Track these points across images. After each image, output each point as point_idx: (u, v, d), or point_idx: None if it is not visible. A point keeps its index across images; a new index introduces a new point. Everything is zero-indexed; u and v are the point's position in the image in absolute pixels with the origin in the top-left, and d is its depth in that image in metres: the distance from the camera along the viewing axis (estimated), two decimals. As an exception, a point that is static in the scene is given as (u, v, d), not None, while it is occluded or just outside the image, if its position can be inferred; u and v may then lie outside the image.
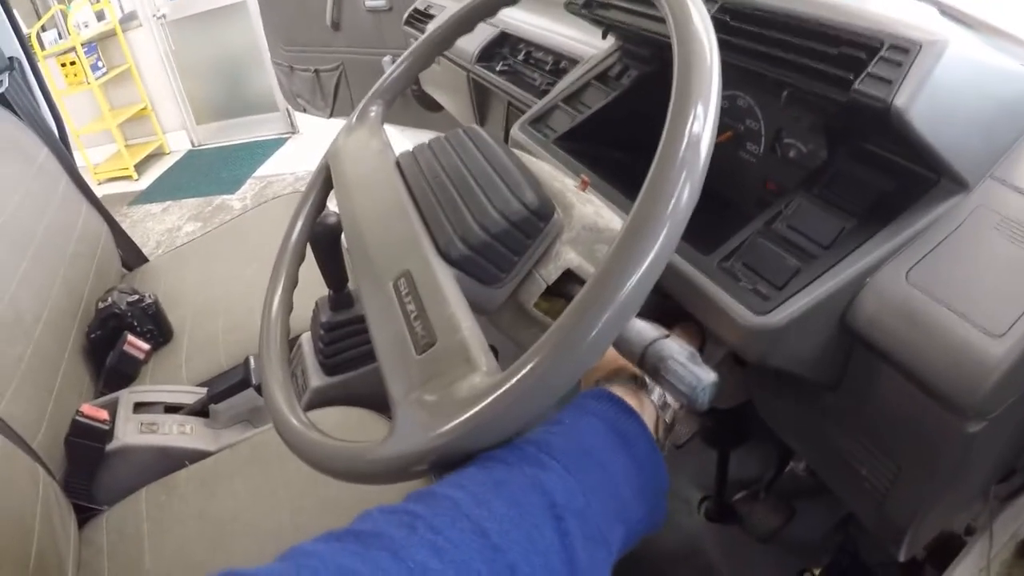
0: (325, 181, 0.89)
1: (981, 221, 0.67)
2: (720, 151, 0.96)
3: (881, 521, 0.80)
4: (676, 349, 0.56)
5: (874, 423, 0.75)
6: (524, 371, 0.48)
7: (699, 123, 0.51)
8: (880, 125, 0.69)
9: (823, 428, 0.82)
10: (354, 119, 0.92)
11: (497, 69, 1.49)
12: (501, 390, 0.48)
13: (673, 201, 0.48)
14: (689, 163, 0.50)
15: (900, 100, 0.65)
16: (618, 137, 1.02)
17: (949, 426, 0.64)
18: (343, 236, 0.82)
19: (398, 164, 0.79)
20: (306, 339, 1.49)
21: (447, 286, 0.61)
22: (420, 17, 1.88)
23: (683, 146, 0.50)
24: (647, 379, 0.65)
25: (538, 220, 0.66)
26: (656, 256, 0.48)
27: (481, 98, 1.66)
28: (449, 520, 0.45)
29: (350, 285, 1.33)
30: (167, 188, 4.96)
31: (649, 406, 0.64)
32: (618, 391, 0.62)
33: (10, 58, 1.97)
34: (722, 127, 0.96)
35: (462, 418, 0.49)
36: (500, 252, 0.66)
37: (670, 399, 0.67)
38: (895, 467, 0.74)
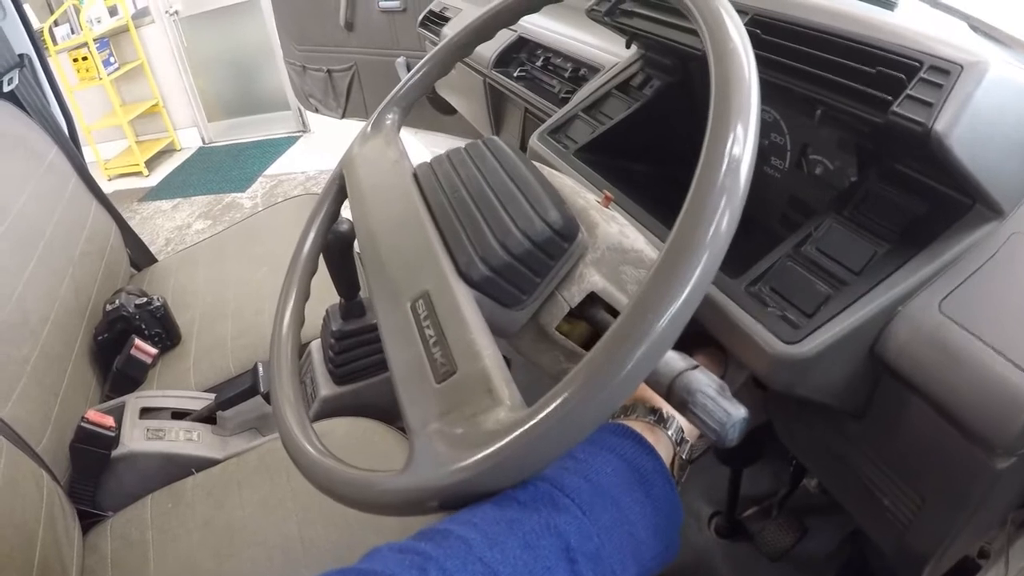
0: (339, 190, 0.87)
1: (1016, 250, 0.65)
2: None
3: (902, 551, 0.78)
4: (705, 382, 0.54)
5: (899, 454, 0.73)
6: (552, 407, 0.46)
7: (739, 145, 0.49)
8: (916, 148, 0.67)
9: (845, 455, 0.80)
10: (369, 127, 0.90)
11: (515, 75, 1.48)
12: (526, 426, 0.46)
13: (713, 228, 0.46)
14: (729, 188, 0.47)
15: (940, 124, 0.63)
16: (640, 149, 1.00)
17: (976, 461, 0.63)
18: (356, 245, 0.79)
19: (415, 176, 0.76)
20: (316, 347, 1.47)
21: (467, 310, 0.58)
22: (435, 19, 1.86)
23: (723, 170, 0.48)
24: (664, 412, 0.63)
25: (562, 240, 0.64)
26: (695, 287, 0.45)
27: (497, 103, 1.65)
28: (461, 563, 0.44)
29: (362, 294, 1.31)
30: (177, 185, 4.96)
31: (666, 441, 0.62)
32: (636, 426, 0.61)
33: (20, 55, 1.96)
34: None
35: (484, 454, 0.47)
36: (522, 274, 0.64)
37: (687, 433, 0.65)
38: (919, 499, 0.72)
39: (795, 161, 0.92)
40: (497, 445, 0.47)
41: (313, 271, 0.84)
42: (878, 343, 0.67)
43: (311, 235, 0.85)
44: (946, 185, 0.70)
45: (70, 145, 2.02)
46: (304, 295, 0.81)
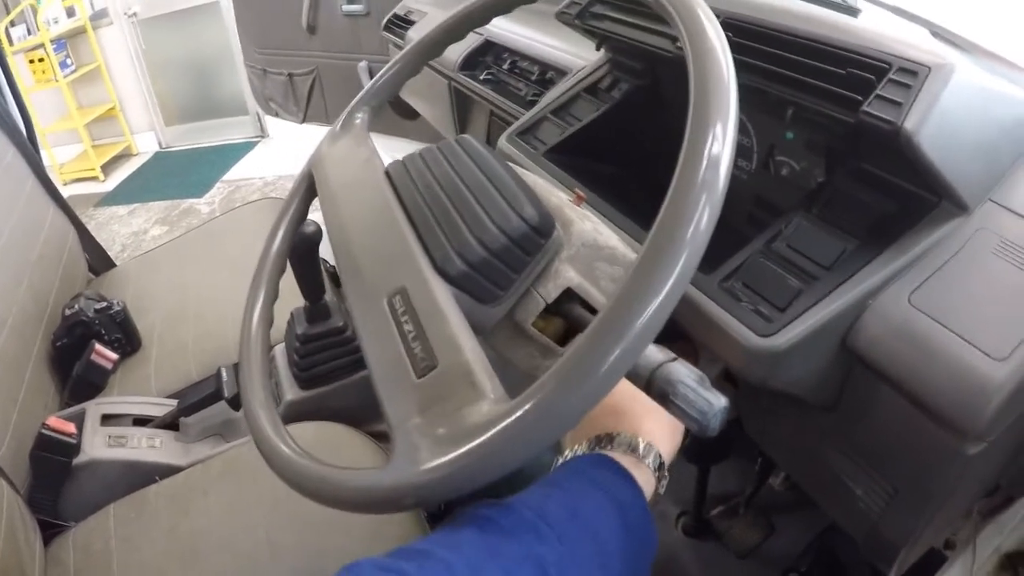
0: (308, 189, 0.86)
1: (982, 245, 0.67)
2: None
3: (874, 541, 0.80)
4: (685, 373, 0.54)
5: (871, 444, 0.74)
6: (537, 399, 0.46)
7: (718, 144, 0.49)
8: (884, 147, 0.69)
9: (817, 448, 0.81)
10: (339, 126, 0.90)
11: (481, 78, 1.48)
12: (511, 419, 0.46)
13: (693, 226, 0.47)
14: (709, 185, 0.48)
15: (910, 123, 0.65)
16: (609, 151, 1.01)
17: (948, 447, 0.65)
18: (327, 247, 0.79)
19: (387, 174, 0.76)
20: (280, 351, 1.46)
21: (446, 305, 0.58)
22: (400, 23, 1.85)
23: (703, 168, 0.48)
24: (642, 445, 0.64)
25: (538, 236, 0.64)
26: (675, 283, 0.46)
27: (462, 107, 1.65)
28: None
29: (327, 297, 1.30)
30: (134, 190, 4.88)
31: (647, 473, 0.63)
32: (617, 457, 0.62)
33: (-24, 54, 1.91)
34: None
35: (470, 446, 0.47)
36: (499, 269, 0.64)
37: (666, 466, 0.65)
38: (891, 488, 0.74)
39: (762, 162, 0.93)
40: (479, 440, 0.47)
41: (282, 270, 0.83)
42: (850, 335, 0.69)
43: (279, 234, 0.84)
44: (913, 183, 0.72)
45: (28, 146, 1.97)
46: (273, 295, 0.80)
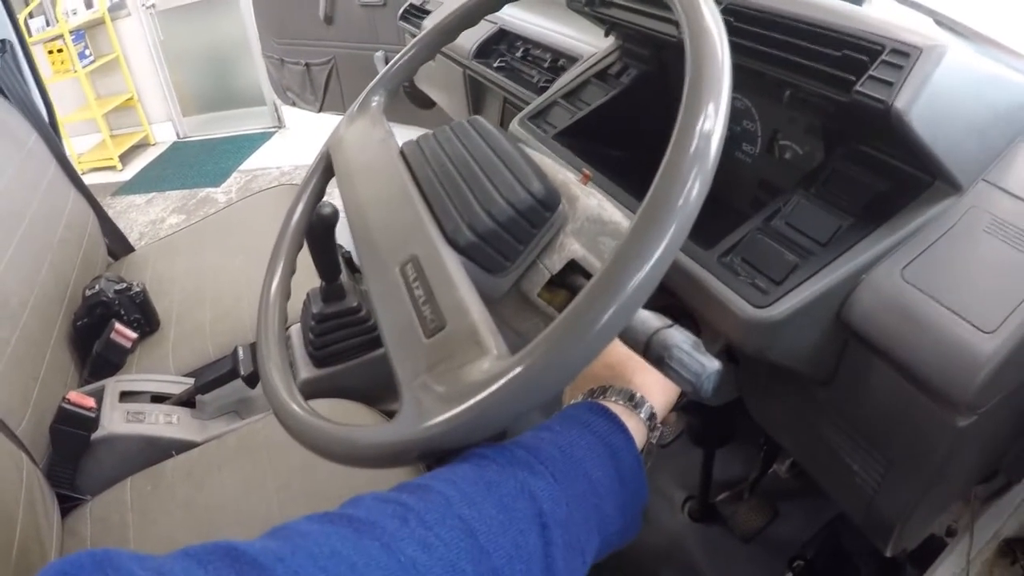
0: (325, 169, 0.89)
1: (973, 222, 0.69)
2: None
3: (870, 517, 0.81)
4: (681, 338, 0.57)
5: (866, 418, 0.76)
6: (536, 355, 0.49)
7: (711, 120, 0.52)
8: (879, 127, 0.71)
9: (815, 424, 0.83)
10: (356, 109, 0.92)
11: (495, 66, 1.50)
12: (513, 373, 0.49)
13: (684, 194, 0.49)
14: (700, 158, 0.50)
15: (900, 102, 0.67)
16: (617, 135, 1.03)
17: (940, 420, 0.66)
18: (343, 224, 0.81)
19: (402, 153, 0.79)
20: (295, 331, 1.49)
21: (455, 272, 0.61)
22: (416, 12, 1.87)
23: (695, 141, 0.50)
24: (637, 396, 0.65)
25: (544, 210, 0.67)
26: (667, 248, 0.48)
27: (476, 95, 1.67)
28: (440, 517, 0.46)
29: (342, 278, 1.33)
30: (151, 179, 4.92)
31: (639, 424, 0.64)
32: (611, 406, 0.63)
33: (1, 41, 1.95)
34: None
35: (473, 401, 0.50)
36: (506, 240, 0.66)
37: (659, 418, 0.67)
38: (886, 461, 0.75)
39: (766, 146, 0.95)
40: (481, 395, 0.50)
41: (299, 246, 0.86)
42: (844, 309, 0.71)
43: (298, 210, 0.86)
44: (908, 164, 0.73)
45: (50, 132, 2.01)
46: (291, 268, 0.83)
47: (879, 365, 0.70)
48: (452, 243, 0.65)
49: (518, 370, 0.49)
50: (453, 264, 0.62)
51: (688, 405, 1.12)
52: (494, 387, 0.49)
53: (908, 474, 0.74)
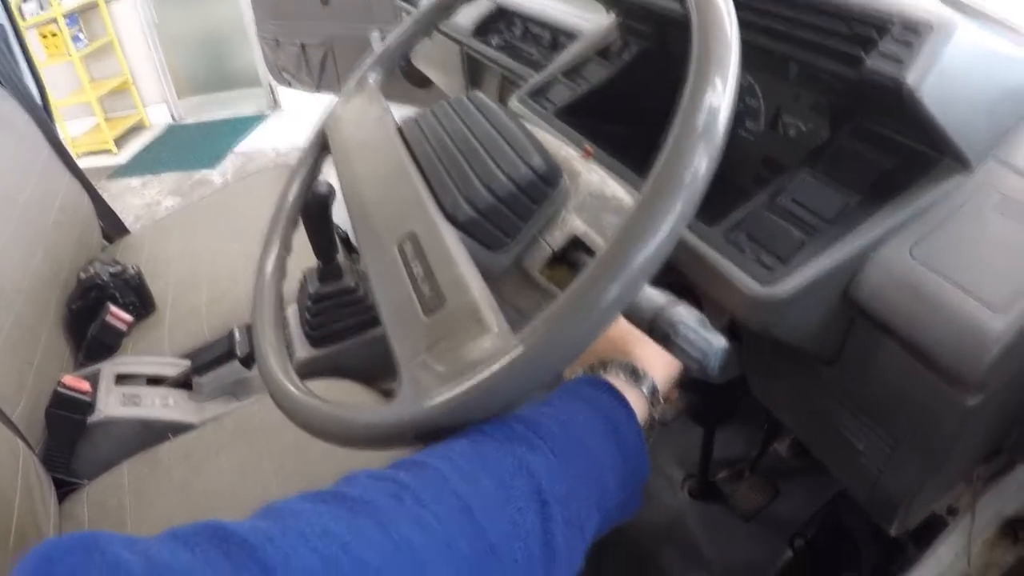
0: (321, 147, 0.87)
1: (983, 200, 0.68)
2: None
3: (875, 496, 0.81)
4: (687, 315, 0.56)
5: (873, 396, 0.75)
6: (539, 333, 0.47)
7: (719, 95, 0.50)
8: (888, 103, 0.70)
9: (819, 403, 0.82)
10: (352, 86, 0.91)
11: (493, 44, 1.48)
12: (515, 352, 0.47)
13: (692, 170, 0.48)
14: (709, 133, 0.49)
15: (912, 78, 0.66)
16: (618, 112, 1.01)
17: (948, 399, 0.65)
18: (339, 204, 0.80)
19: (400, 130, 0.77)
20: (292, 311, 1.48)
21: (454, 248, 0.60)
22: (412, -10, 1.86)
23: (703, 116, 0.49)
24: (640, 370, 0.64)
25: (545, 185, 0.66)
26: (674, 225, 0.47)
27: (474, 73, 1.65)
28: (435, 494, 0.45)
29: (339, 258, 1.32)
30: (147, 162, 4.88)
31: (640, 398, 0.63)
32: (611, 379, 0.62)
33: (-8, 24, 1.93)
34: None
35: (473, 381, 0.48)
36: (506, 216, 0.65)
37: (660, 393, 0.66)
38: (892, 440, 0.75)
39: (769, 123, 0.94)
40: (482, 374, 0.48)
41: (295, 223, 0.85)
42: (851, 287, 0.69)
43: (294, 187, 0.85)
44: (916, 140, 0.72)
45: (43, 116, 1.99)
46: (287, 246, 0.82)
47: (887, 343, 0.69)
48: (451, 219, 0.63)
49: (520, 349, 0.47)
50: (452, 240, 0.61)
51: (689, 383, 1.11)
52: (495, 366, 0.48)
53: (914, 453, 0.73)
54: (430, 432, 0.51)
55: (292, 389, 0.63)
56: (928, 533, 0.99)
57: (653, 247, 0.46)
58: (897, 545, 1.20)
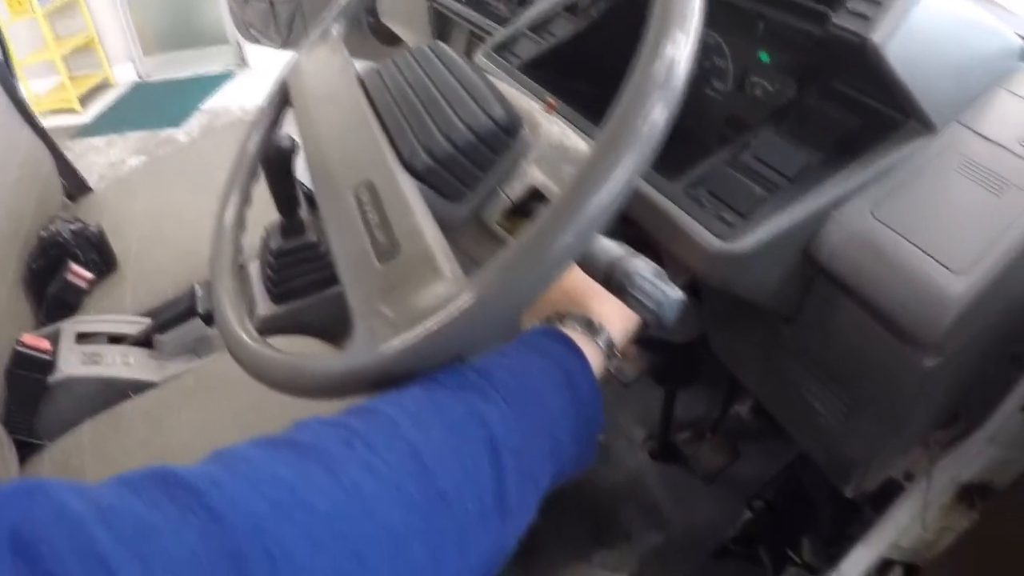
0: (282, 98, 0.86)
1: (946, 163, 0.68)
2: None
3: (832, 457, 0.81)
4: (643, 266, 0.55)
5: (831, 357, 0.75)
6: (491, 278, 0.47)
7: (678, 46, 0.49)
8: (854, 62, 0.70)
9: (778, 362, 0.83)
10: (315, 37, 0.89)
11: (461, -1, 1.46)
12: (467, 297, 0.47)
13: (647, 120, 0.47)
14: (666, 84, 0.48)
15: (877, 36, 0.66)
16: (585, 68, 1.00)
17: (906, 360, 0.66)
18: (303, 158, 0.79)
19: (361, 80, 0.76)
20: (254, 267, 1.46)
21: (411, 196, 0.59)
22: (382, -54, 1.83)
23: (661, 66, 0.48)
24: (596, 323, 0.64)
25: (505, 135, 0.65)
26: (628, 174, 0.46)
27: (442, 29, 1.63)
28: (387, 440, 0.44)
29: (301, 213, 1.30)
30: (112, 121, 4.80)
31: (596, 351, 0.62)
32: (567, 331, 0.61)
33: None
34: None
35: (426, 326, 0.48)
36: (465, 166, 0.64)
37: (616, 347, 0.66)
38: (849, 401, 0.75)
39: (736, 83, 0.93)
40: (434, 319, 0.48)
41: (254, 174, 0.83)
42: (812, 245, 0.70)
43: (254, 138, 0.84)
44: (882, 102, 0.72)
45: (3, 69, 1.94)
46: (246, 197, 0.80)
47: (846, 303, 0.69)
48: (409, 168, 0.62)
49: (472, 294, 0.47)
50: (409, 189, 0.60)
51: (651, 343, 1.12)
52: (448, 311, 0.47)
53: (871, 415, 0.74)
54: (384, 379, 0.50)
55: (246, 339, 0.62)
56: (885, 497, 1.00)
57: (606, 196, 0.46)
58: (854, 508, 1.22)
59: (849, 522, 1.24)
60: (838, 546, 1.21)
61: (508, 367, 0.54)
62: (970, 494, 0.94)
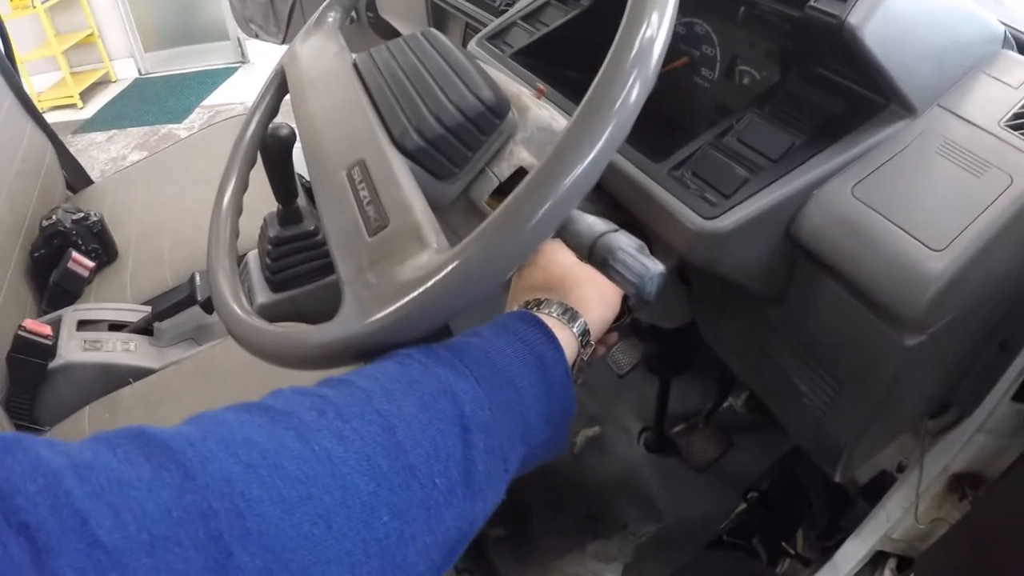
0: (280, 85, 0.88)
1: (926, 144, 0.69)
2: (675, 76, 0.97)
3: (818, 440, 0.82)
4: (625, 241, 0.57)
5: (816, 338, 0.77)
6: (472, 248, 0.49)
7: (653, 27, 0.51)
8: (833, 45, 0.71)
9: (766, 345, 0.84)
10: (311, 25, 0.91)
11: (458, -10, 1.47)
12: (450, 266, 0.49)
13: (623, 95, 0.49)
14: (641, 62, 0.50)
15: (854, 18, 0.67)
16: (575, 56, 1.01)
17: (888, 339, 0.67)
18: (296, 142, 0.81)
19: (355, 65, 0.78)
20: (252, 256, 1.48)
21: (401, 173, 0.61)
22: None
23: (636, 45, 0.50)
24: (573, 311, 0.65)
25: (493, 116, 0.67)
26: (603, 147, 0.49)
27: (439, 22, 1.64)
28: (359, 411, 0.45)
29: (299, 201, 1.31)
30: (113, 117, 4.82)
31: (571, 338, 0.63)
32: (543, 317, 0.62)
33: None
34: (678, 53, 0.97)
35: (410, 296, 0.50)
36: (454, 146, 0.66)
37: (592, 336, 0.67)
38: (834, 382, 0.76)
39: (725, 72, 0.94)
40: (419, 289, 0.50)
41: (252, 162, 0.85)
42: (793, 224, 0.71)
43: (251, 125, 0.86)
44: (863, 86, 0.74)
45: (6, 64, 1.96)
46: (244, 183, 0.82)
47: (828, 283, 0.70)
48: (400, 147, 0.64)
49: (455, 263, 0.49)
50: (400, 166, 0.62)
51: (645, 333, 1.13)
52: (431, 281, 0.49)
53: (856, 396, 0.75)
54: (372, 349, 0.52)
55: (239, 312, 0.64)
56: (878, 489, 1.01)
57: (583, 166, 0.48)
58: (849, 500, 1.23)
59: (843, 514, 1.25)
60: (832, 538, 1.23)
61: (481, 347, 0.55)
62: (961, 484, 0.94)
